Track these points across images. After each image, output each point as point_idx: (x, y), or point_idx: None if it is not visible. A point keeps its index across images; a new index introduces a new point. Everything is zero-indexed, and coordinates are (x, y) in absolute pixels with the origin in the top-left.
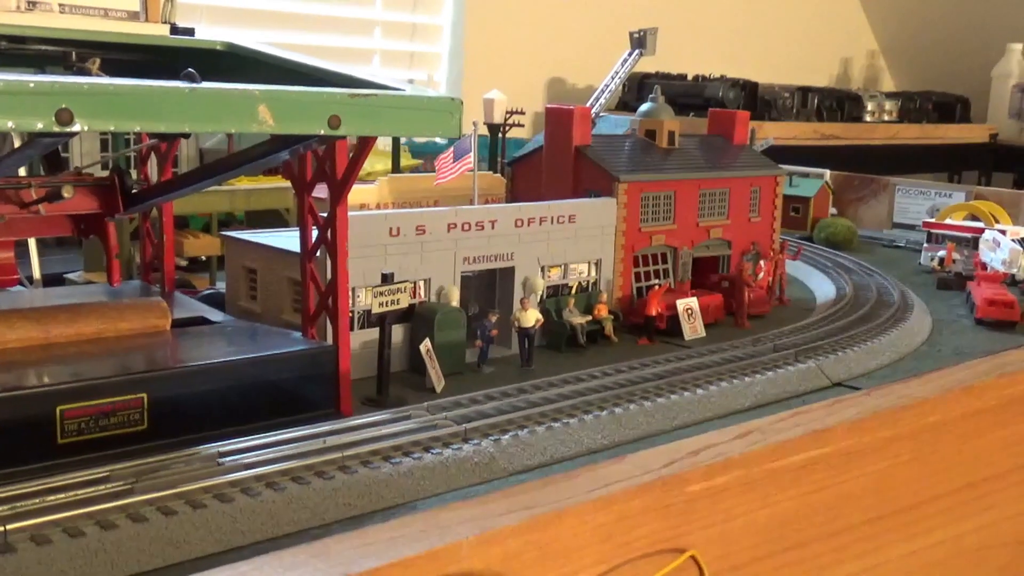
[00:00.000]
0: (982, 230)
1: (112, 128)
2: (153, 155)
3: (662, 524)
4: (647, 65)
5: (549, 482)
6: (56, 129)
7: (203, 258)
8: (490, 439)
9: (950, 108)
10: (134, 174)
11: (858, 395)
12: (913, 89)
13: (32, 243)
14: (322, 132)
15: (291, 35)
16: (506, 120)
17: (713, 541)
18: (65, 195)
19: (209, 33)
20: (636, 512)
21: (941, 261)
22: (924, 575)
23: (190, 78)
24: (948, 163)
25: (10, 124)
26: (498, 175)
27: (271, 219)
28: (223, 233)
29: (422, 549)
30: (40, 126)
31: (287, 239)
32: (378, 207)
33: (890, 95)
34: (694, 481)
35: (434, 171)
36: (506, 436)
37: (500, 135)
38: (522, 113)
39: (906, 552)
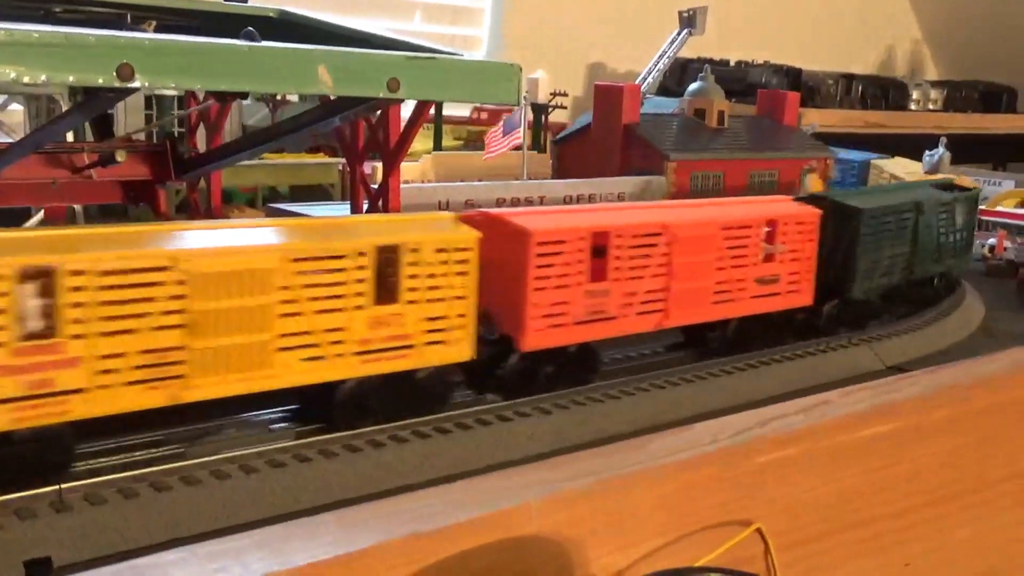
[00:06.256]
0: None
1: (172, 85)
2: (202, 125)
3: (728, 495)
4: (689, 51)
5: (616, 449)
6: (117, 84)
7: None
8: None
9: (996, 98)
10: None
11: (924, 371)
12: (958, 78)
13: (80, 212)
14: (380, 95)
15: (332, 17)
16: (550, 100)
17: (778, 514)
18: (119, 159)
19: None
20: (702, 481)
21: (992, 248)
22: (990, 558)
23: (250, 37)
24: (994, 154)
25: (71, 79)
26: (543, 154)
27: (315, 194)
28: (269, 206)
29: (490, 510)
30: (101, 81)
31: (333, 212)
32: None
33: (935, 83)
34: (761, 452)
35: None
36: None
37: (544, 115)
38: (565, 95)
39: (971, 534)
